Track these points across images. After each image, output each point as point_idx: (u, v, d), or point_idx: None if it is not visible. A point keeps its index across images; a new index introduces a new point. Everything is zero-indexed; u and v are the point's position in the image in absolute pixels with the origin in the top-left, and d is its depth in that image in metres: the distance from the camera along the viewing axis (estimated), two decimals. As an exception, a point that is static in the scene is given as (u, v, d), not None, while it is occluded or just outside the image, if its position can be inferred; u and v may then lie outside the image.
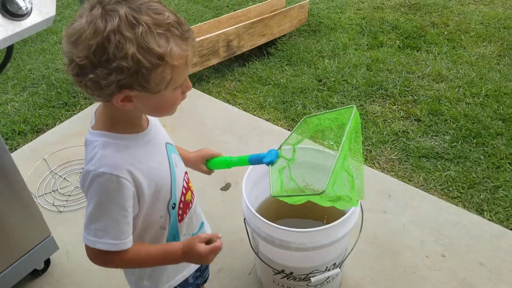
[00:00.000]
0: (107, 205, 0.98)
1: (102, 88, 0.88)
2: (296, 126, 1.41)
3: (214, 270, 1.94)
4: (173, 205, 1.12)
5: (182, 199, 1.15)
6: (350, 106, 1.31)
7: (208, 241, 1.07)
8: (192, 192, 1.22)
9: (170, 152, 1.12)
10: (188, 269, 1.28)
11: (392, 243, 2.01)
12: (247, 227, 1.61)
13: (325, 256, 1.60)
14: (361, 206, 1.61)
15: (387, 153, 2.52)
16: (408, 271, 1.89)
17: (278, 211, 1.85)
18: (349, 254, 1.68)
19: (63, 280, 1.95)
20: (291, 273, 1.63)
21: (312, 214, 1.81)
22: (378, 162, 2.47)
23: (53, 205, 2.26)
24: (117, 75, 0.85)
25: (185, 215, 1.18)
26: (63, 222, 2.20)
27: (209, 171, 1.38)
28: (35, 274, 1.93)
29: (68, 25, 0.88)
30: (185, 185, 1.17)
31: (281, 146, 1.38)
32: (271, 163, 1.32)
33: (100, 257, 1.01)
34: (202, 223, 1.33)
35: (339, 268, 1.67)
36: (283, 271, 1.63)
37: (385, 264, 1.92)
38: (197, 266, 1.31)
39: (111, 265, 1.05)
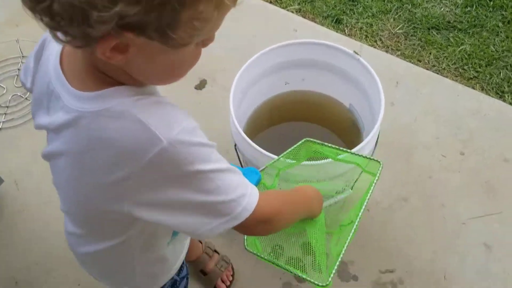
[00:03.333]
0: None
1: (90, 25, 0.48)
2: (293, 147, 1.05)
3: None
4: None
5: None
6: (375, 159, 0.98)
7: None
8: None
9: None
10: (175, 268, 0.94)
11: (404, 142, 1.71)
12: (239, 154, 1.26)
13: (333, 185, 1.29)
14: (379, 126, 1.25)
15: (390, 25, 2.09)
16: (423, 175, 1.63)
17: (276, 116, 1.51)
18: (360, 174, 1.37)
19: (15, 217, 1.61)
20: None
21: (317, 118, 1.47)
22: (380, 39, 2.05)
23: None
24: (126, 7, 0.47)
25: None
26: (4, 142, 1.79)
27: None
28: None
29: None
30: None
31: (263, 169, 1.02)
32: None
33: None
34: None
35: (351, 188, 1.38)
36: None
37: (397, 169, 1.65)
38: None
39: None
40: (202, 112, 1.81)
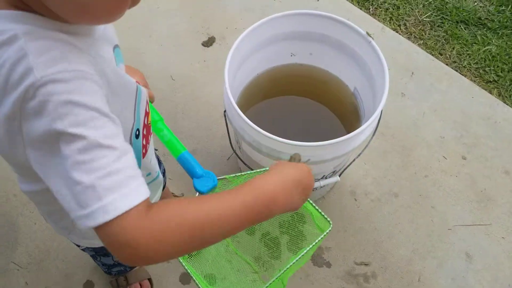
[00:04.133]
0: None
1: None
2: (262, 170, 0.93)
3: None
4: (137, 132, 0.71)
5: (146, 121, 0.74)
6: (328, 219, 0.89)
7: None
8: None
9: (118, 60, 0.66)
10: None
11: (406, 136, 1.64)
12: (228, 122, 1.21)
13: (323, 168, 1.25)
14: (381, 113, 1.19)
15: (418, 12, 1.98)
16: (419, 174, 1.57)
17: (276, 86, 1.45)
18: (353, 161, 1.32)
19: None
20: (279, 178, 1.29)
21: (318, 96, 1.42)
22: (405, 24, 1.95)
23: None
24: None
25: (148, 144, 0.78)
26: None
27: None
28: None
29: None
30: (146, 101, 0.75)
31: (222, 178, 0.92)
32: (200, 192, 0.87)
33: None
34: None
35: (339, 176, 1.33)
36: (269, 174, 1.29)
37: (393, 162, 1.59)
38: None
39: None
40: (205, 70, 1.75)
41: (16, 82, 0.48)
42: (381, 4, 2.00)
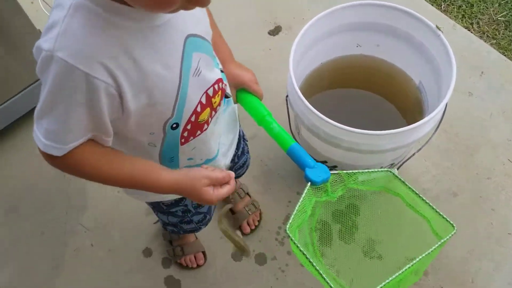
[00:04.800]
0: (61, 104, 0.63)
1: None
2: (373, 170, 0.94)
3: (247, 135, 1.66)
4: (174, 125, 0.76)
5: (193, 119, 0.78)
6: (449, 220, 0.88)
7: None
8: (214, 109, 0.82)
9: (190, 50, 0.70)
10: None
11: (471, 136, 1.60)
12: (289, 107, 1.24)
13: (381, 159, 1.25)
14: (445, 108, 1.18)
15: (493, 11, 1.91)
16: (482, 175, 1.53)
17: (338, 78, 1.46)
18: (412, 156, 1.32)
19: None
20: (335, 166, 1.31)
21: (382, 90, 1.41)
22: (478, 23, 1.88)
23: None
24: None
25: (192, 138, 0.82)
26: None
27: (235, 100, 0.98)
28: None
29: None
30: (204, 101, 0.77)
31: (336, 173, 0.92)
32: (313, 182, 0.88)
33: (51, 160, 0.71)
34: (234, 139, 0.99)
35: (397, 168, 1.33)
36: (325, 162, 1.31)
37: (455, 162, 1.56)
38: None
39: (68, 171, 0.75)
40: (269, 57, 1.79)
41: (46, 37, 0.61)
42: (454, 1, 1.95)
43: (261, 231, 1.48)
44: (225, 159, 0.98)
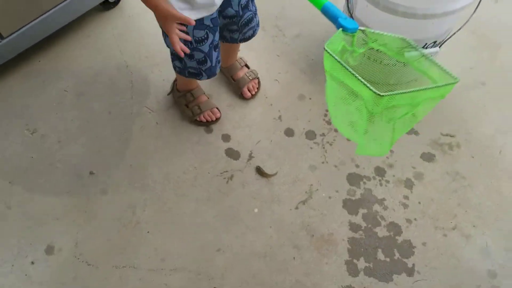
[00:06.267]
0: None
1: None
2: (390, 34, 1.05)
3: (291, 34, 1.81)
4: None
5: None
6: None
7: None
8: None
9: None
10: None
11: (497, 35, 1.77)
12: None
13: (429, 30, 1.41)
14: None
15: None
16: (507, 67, 1.71)
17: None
18: (453, 34, 1.48)
19: (134, 17, 1.86)
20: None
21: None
22: None
23: None
24: None
25: None
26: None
27: None
28: (106, 6, 1.84)
29: None
30: None
31: (363, 29, 1.05)
32: (344, 27, 1.03)
33: None
34: None
35: (439, 47, 1.49)
36: (376, 40, 1.47)
37: (482, 57, 1.73)
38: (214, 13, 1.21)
39: None
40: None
41: None
42: None
43: (310, 114, 1.64)
44: None
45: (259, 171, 1.53)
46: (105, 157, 1.57)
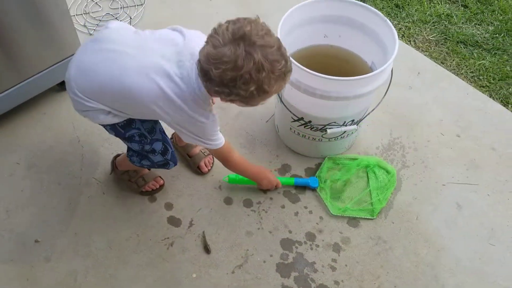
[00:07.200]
0: None
1: (218, 94, 1.15)
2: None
3: (232, 114, 2.00)
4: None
5: None
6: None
7: None
8: None
9: None
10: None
11: (411, 117, 2.03)
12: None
13: (345, 110, 1.63)
14: (392, 71, 1.59)
15: (425, 33, 2.43)
16: (420, 143, 1.94)
17: (306, 64, 1.84)
18: (368, 114, 1.71)
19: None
20: (310, 121, 1.68)
21: (337, 69, 1.80)
22: (414, 41, 2.39)
23: (84, 26, 2.26)
24: (234, 96, 1.13)
25: None
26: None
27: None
28: (63, 87, 2.01)
29: (211, 40, 1.08)
30: None
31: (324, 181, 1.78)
32: (313, 187, 1.78)
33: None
34: None
35: (357, 125, 1.71)
36: (302, 118, 1.68)
37: (400, 134, 1.96)
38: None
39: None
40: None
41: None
42: (395, 25, 2.46)
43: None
44: None
45: (204, 240, 1.63)
46: (52, 225, 1.65)
